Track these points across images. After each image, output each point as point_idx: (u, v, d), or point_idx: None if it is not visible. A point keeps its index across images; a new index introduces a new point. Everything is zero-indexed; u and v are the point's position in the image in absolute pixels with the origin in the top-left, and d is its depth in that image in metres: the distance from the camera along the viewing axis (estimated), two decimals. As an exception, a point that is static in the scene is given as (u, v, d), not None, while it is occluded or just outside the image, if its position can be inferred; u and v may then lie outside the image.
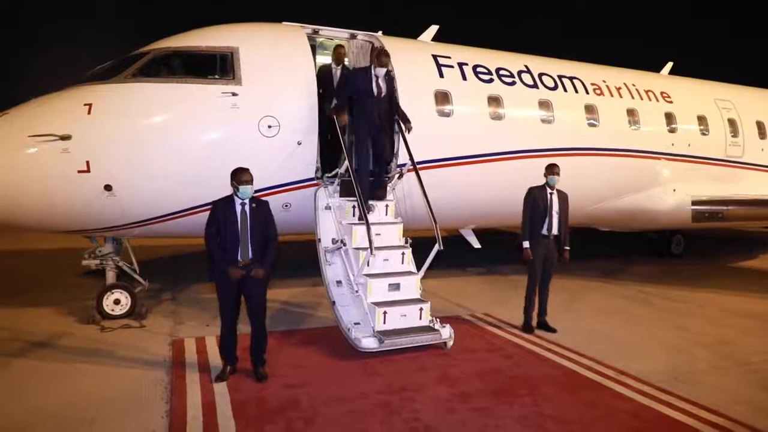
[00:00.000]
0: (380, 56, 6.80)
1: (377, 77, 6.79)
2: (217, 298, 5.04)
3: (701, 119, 10.90)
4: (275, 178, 7.06)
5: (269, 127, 6.89)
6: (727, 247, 14.31)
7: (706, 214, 10.48)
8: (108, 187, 6.27)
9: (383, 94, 6.85)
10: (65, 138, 6.07)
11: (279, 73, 7.18)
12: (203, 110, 6.71)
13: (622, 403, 4.68)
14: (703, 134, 10.85)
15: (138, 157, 6.42)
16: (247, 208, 4.96)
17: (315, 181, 7.19)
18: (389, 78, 7.17)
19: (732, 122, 11.29)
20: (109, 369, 5.28)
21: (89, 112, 6.25)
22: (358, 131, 6.89)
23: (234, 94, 6.75)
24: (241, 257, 4.89)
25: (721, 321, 7.31)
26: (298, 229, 7.51)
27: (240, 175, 4.93)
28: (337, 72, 7.57)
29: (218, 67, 6.95)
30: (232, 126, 6.79)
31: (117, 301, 6.89)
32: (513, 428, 4.17)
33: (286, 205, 7.15)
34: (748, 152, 11.41)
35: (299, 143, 7.07)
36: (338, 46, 7.68)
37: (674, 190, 10.38)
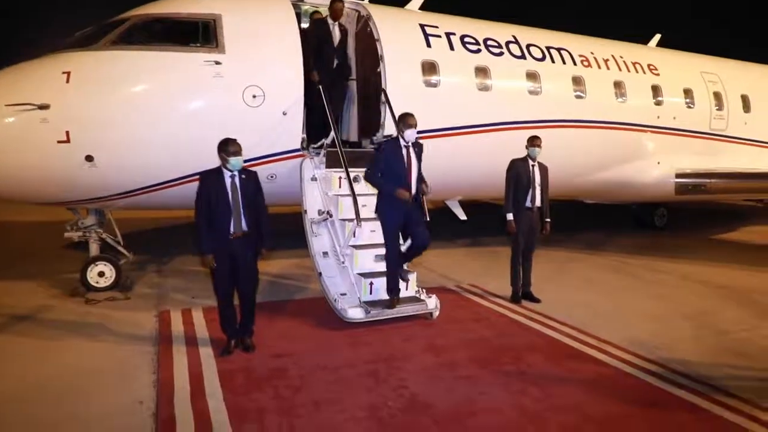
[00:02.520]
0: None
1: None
2: (210, 272, 4.99)
3: (687, 92, 10.93)
4: (260, 149, 6.98)
5: (254, 96, 6.78)
6: (709, 220, 14.52)
7: (689, 187, 10.58)
8: (89, 158, 6.16)
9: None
10: (43, 107, 5.92)
11: (263, 41, 7.03)
12: (186, 79, 6.57)
13: (603, 370, 4.78)
14: (689, 107, 10.89)
15: (119, 128, 6.30)
16: (237, 179, 4.85)
17: (301, 152, 7.12)
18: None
19: (717, 95, 11.33)
20: (95, 341, 5.25)
21: (68, 81, 6.08)
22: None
23: (217, 63, 6.61)
24: (234, 229, 4.80)
25: (702, 292, 7.45)
26: (283, 200, 7.46)
27: (228, 146, 4.80)
28: (335, 29, 7.35)
29: (200, 34, 6.78)
30: (216, 95, 6.66)
31: (101, 274, 6.83)
32: (498, 395, 4.24)
33: (272, 177, 7.08)
34: (732, 126, 11.49)
35: (284, 113, 6.97)
36: (336, 1, 7.35)
37: (659, 163, 10.45)
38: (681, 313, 6.47)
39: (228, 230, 4.79)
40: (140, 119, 6.36)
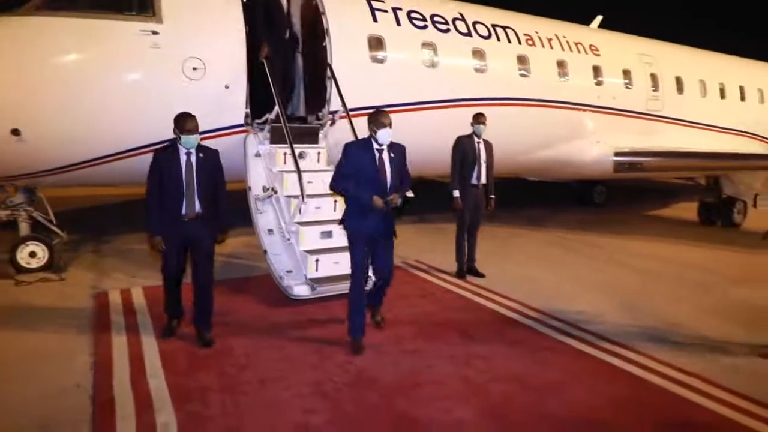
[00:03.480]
0: None
1: None
2: (160, 254, 4.64)
3: (626, 73, 11.27)
4: (202, 123, 6.49)
5: (194, 69, 6.52)
6: (644, 197, 15.16)
7: (626, 165, 10.97)
8: (15, 132, 5.77)
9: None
10: (-38, 77, 5.51)
11: (204, 11, 6.74)
12: (120, 49, 6.23)
13: (543, 341, 4.95)
14: (627, 88, 11.25)
15: (48, 100, 5.92)
16: (193, 158, 4.51)
17: (244, 128, 6.94)
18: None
19: (653, 77, 11.74)
20: (28, 324, 5.00)
21: (-11, 49, 5.68)
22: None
23: (154, 33, 6.30)
24: (186, 211, 4.48)
25: (636, 265, 7.79)
26: (227, 177, 7.23)
27: (183, 123, 4.44)
28: None
29: (136, 2, 6.44)
30: (153, 67, 6.36)
31: (33, 254, 6.49)
32: (443, 367, 4.32)
33: (215, 152, 6.88)
34: (667, 106, 11.96)
35: (227, 87, 6.75)
36: None
37: (598, 142, 10.77)
38: (616, 285, 6.75)
39: (180, 212, 4.48)
40: (71, 92, 6.00)
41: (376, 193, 4.48)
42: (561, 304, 5.87)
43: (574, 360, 4.56)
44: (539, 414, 3.68)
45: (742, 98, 13.83)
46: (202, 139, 6.56)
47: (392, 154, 4.65)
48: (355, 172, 4.54)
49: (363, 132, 6.76)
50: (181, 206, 4.49)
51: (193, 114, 4.50)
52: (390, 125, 4.57)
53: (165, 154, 4.55)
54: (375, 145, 4.57)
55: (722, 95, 13.30)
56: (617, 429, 3.55)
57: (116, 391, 3.81)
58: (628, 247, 8.86)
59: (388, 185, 4.58)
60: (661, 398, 3.96)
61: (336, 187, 4.72)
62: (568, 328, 5.23)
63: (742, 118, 13.51)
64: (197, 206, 4.52)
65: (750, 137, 13.54)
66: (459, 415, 3.63)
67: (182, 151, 4.51)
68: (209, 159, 4.64)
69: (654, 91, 11.72)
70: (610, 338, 4.98)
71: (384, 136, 4.55)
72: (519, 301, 5.97)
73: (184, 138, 4.44)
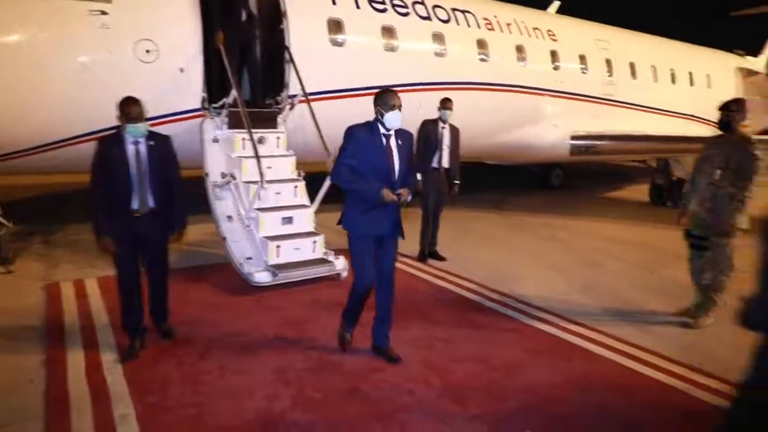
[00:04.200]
0: None
1: None
2: (113, 258, 4.15)
3: (582, 58, 11.47)
4: (156, 108, 6.47)
5: (147, 51, 6.31)
6: (599, 180, 15.55)
7: (582, 149, 11.22)
8: (-47, 117, 5.50)
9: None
10: None
11: (156, -9, 6.52)
12: (68, 30, 5.96)
13: (504, 322, 5.04)
14: (583, 73, 11.46)
15: (-11, 83, 5.65)
16: (142, 147, 4.01)
17: (201, 112, 6.77)
18: None
19: (609, 62, 12.00)
20: (-28, 317, 4.80)
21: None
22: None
23: (104, 13, 6.05)
24: (137, 206, 4.03)
25: (591, 246, 8.01)
26: (183, 163, 6.95)
27: (127, 108, 3.93)
28: None
29: (83, -20, 6.17)
30: (104, 49, 6.12)
31: (-24, 246, 6.20)
32: (405, 350, 4.34)
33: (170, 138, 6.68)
34: (621, 91, 12.26)
35: (182, 70, 6.56)
36: None
37: (556, 126, 10.97)
38: (573, 265, 6.93)
39: (130, 207, 4.03)
40: (14, 74, 5.73)
41: (384, 181, 3.87)
42: (520, 286, 5.98)
43: (534, 339, 4.67)
44: (501, 394, 3.76)
45: (691, 83, 14.30)
46: (156, 124, 6.45)
47: (399, 141, 3.96)
48: (359, 161, 3.86)
49: (323, 118, 6.77)
50: (131, 201, 4.02)
51: (137, 98, 4.00)
52: (400, 107, 3.90)
53: (109, 143, 4.05)
54: (382, 130, 3.90)
55: (672, 80, 13.72)
56: (575, 405, 3.65)
57: (71, 386, 3.69)
58: (584, 229, 9.09)
59: (396, 177, 3.95)
60: (615, 372, 4.10)
61: (341, 179, 3.91)
62: (527, 308, 5.34)
63: (690, 102, 13.98)
64: (150, 200, 4.08)
65: (698, 121, 14.02)
66: (422, 396, 3.67)
67: (129, 139, 4.00)
68: (161, 147, 4.15)
69: (609, 76, 11.98)
70: (567, 317, 5.11)
71: (393, 119, 3.87)
72: (480, 283, 6.06)
73: (129, 127, 3.95)
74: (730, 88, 15.13)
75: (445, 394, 3.72)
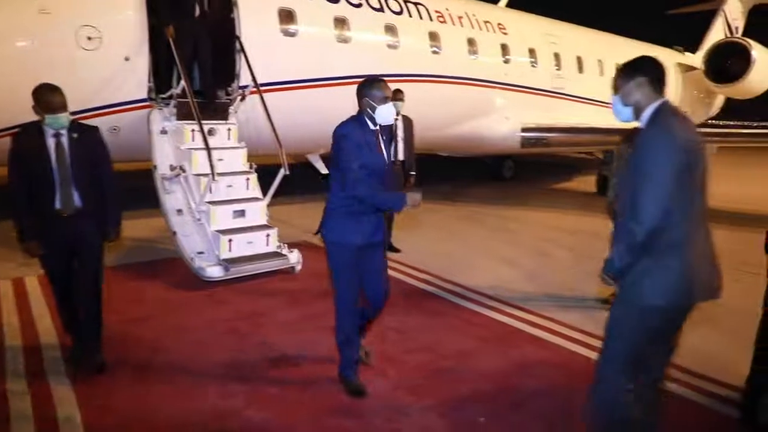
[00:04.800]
0: None
1: None
2: (41, 262, 3.81)
3: (531, 52, 11.71)
4: (100, 97, 6.32)
5: (89, 38, 6.06)
6: (549, 171, 15.95)
7: (532, 141, 11.49)
8: None
9: None
10: None
11: (99, -25, 6.27)
12: (3, 14, 5.68)
13: (457, 311, 5.12)
14: (533, 66, 11.70)
15: None
16: (64, 139, 3.60)
17: (148, 103, 6.56)
18: None
19: (557, 56, 12.29)
20: None
21: None
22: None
23: (41, -3, 5.78)
24: (61, 206, 3.60)
25: (542, 235, 8.22)
26: (130, 155, 6.87)
27: (45, 97, 3.49)
28: None
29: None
30: (42, 35, 5.85)
31: None
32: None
33: (115, 129, 6.47)
34: (569, 84, 12.59)
35: (127, 59, 6.35)
36: None
37: (507, 118, 11.18)
38: (523, 255, 7.10)
39: (52, 207, 3.61)
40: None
41: (380, 184, 3.48)
42: (472, 276, 6.09)
43: (485, 327, 4.77)
44: (453, 382, 3.82)
45: (635, 77, 14.79)
46: (99, 115, 6.24)
47: (384, 137, 3.56)
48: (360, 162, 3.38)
49: (275, 109, 6.67)
50: (53, 200, 3.60)
51: (56, 86, 3.56)
52: (391, 98, 3.49)
53: (26, 136, 3.64)
54: (370, 126, 3.48)
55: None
56: (525, 390, 3.75)
57: (10, 387, 3.54)
58: (533, 219, 9.32)
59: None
60: (563, 357, 4.24)
61: (361, 190, 3.35)
62: (478, 297, 5.45)
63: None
64: (75, 199, 3.65)
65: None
66: (376, 387, 3.69)
67: (49, 132, 3.58)
68: (87, 139, 3.71)
69: (557, 69, 12.28)
70: (516, 305, 5.24)
71: (387, 114, 3.43)
72: (433, 273, 6.13)
73: (49, 118, 3.52)
74: (669, 83, 15.73)
75: (400, 385, 3.76)
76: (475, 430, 3.30)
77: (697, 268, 2.45)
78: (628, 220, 2.41)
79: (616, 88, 2.62)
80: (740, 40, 16.68)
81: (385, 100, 3.40)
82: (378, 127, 3.50)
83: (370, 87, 3.43)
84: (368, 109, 3.43)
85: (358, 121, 3.48)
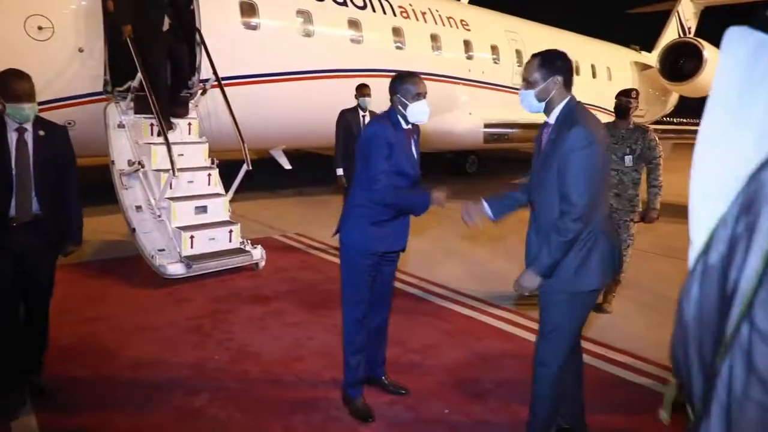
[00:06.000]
0: None
1: None
2: None
3: (494, 48, 11.86)
4: (53, 90, 6.11)
5: (40, 28, 5.85)
6: (510, 166, 16.20)
7: (495, 136, 11.65)
8: None
9: None
10: None
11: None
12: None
13: (422, 306, 5.16)
14: (495, 63, 11.86)
15: None
16: (28, 136, 3.16)
17: (104, 96, 6.37)
18: None
19: (518, 53, 12.48)
20: None
21: None
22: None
23: (-12, -16, 5.55)
24: (16, 212, 3.14)
25: (505, 231, 8.33)
26: (85, 150, 6.61)
27: (9, 83, 3.04)
28: None
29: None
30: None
31: None
32: (325, 338, 4.35)
33: (69, 123, 6.23)
34: (530, 81, 12.77)
35: (81, 50, 6.15)
36: None
37: (470, 114, 11.30)
38: (488, 250, 7.20)
39: (6, 214, 3.14)
40: None
41: (424, 191, 3.24)
42: (437, 270, 6.14)
43: (450, 321, 4.82)
44: (419, 376, 3.85)
45: (594, 75, 15.17)
46: (52, 108, 6.02)
47: (414, 136, 3.31)
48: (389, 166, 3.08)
49: (237, 103, 6.56)
50: (8, 206, 3.13)
51: (24, 72, 3.12)
52: (425, 93, 3.18)
53: None
54: (402, 125, 3.20)
55: (577, 72, 14.47)
56: (490, 382, 3.81)
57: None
58: (497, 214, 9.44)
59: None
60: (528, 350, 4.30)
61: (388, 195, 3.10)
62: (444, 291, 5.50)
63: (593, 93, 14.83)
64: (34, 205, 3.20)
65: (601, 111, 14.91)
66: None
67: (11, 126, 3.13)
68: (54, 139, 3.28)
69: (519, 66, 12.45)
70: (481, 299, 5.31)
71: (420, 112, 3.15)
72: (398, 269, 6.14)
73: (11, 108, 3.07)
74: (627, 81, 16.21)
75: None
76: (441, 421, 3.33)
77: (613, 251, 2.72)
78: (562, 214, 2.54)
79: (531, 83, 2.69)
80: (693, 41, 17.27)
81: (418, 96, 3.13)
82: (410, 126, 3.24)
83: (401, 82, 3.16)
84: (399, 107, 3.16)
85: (389, 119, 3.19)
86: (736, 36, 0.80)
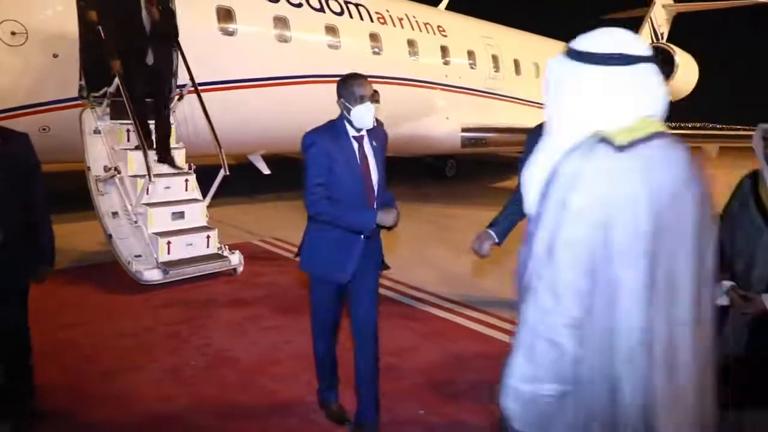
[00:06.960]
0: None
1: None
2: None
3: (470, 54, 12.01)
4: (28, 96, 6.07)
5: (13, 33, 5.81)
6: (488, 170, 16.38)
7: (472, 140, 11.79)
8: None
9: None
10: None
11: (23, -32, 6.01)
12: None
13: (399, 309, 5.21)
14: (471, 68, 12.01)
15: None
16: None
17: (79, 101, 6.34)
18: None
19: (495, 58, 12.66)
20: None
21: None
22: None
23: (-41, -10, 5.50)
24: None
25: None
26: (61, 156, 6.62)
27: None
28: None
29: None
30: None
31: None
32: (302, 342, 4.34)
33: (44, 129, 6.23)
34: (506, 86, 12.98)
35: (56, 56, 6.11)
36: None
37: (447, 119, 11.42)
38: (465, 252, 7.26)
39: None
40: None
41: (360, 203, 2.99)
42: (413, 273, 6.20)
43: (425, 323, 4.89)
44: (395, 378, 3.90)
45: (569, 80, 15.41)
46: (26, 114, 5.98)
47: (374, 143, 3.07)
48: (327, 179, 2.91)
49: (214, 109, 6.58)
50: None
51: None
52: (371, 97, 2.92)
53: None
54: (351, 131, 2.98)
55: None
56: (464, 383, 3.88)
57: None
58: (474, 217, 9.48)
59: (375, 193, 3.06)
60: (502, 351, 4.40)
61: (319, 209, 2.94)
62: (419, 294, 5.58)
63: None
64: None
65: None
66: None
67: None
68: (15, 148, 2.90)
69: (495, 71, 12.63)
70: (456, 301, 5.39)
71: (363, 115, 2.90)
72: (376, 272, 6.21)
73: None
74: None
75: (344, 381, 3.80)
76: (416, 422, 3.39)
77: None
78: None
79: None
80: (665, 46, 17.68)
81: (362, 99, 2.87)
82: (363, 133, 3.00)
83: (345, 85, 2.92)
84: (344, 111, 2.94)
85: (333, 126, 2.98)
86: (553, 61, 1.51)
